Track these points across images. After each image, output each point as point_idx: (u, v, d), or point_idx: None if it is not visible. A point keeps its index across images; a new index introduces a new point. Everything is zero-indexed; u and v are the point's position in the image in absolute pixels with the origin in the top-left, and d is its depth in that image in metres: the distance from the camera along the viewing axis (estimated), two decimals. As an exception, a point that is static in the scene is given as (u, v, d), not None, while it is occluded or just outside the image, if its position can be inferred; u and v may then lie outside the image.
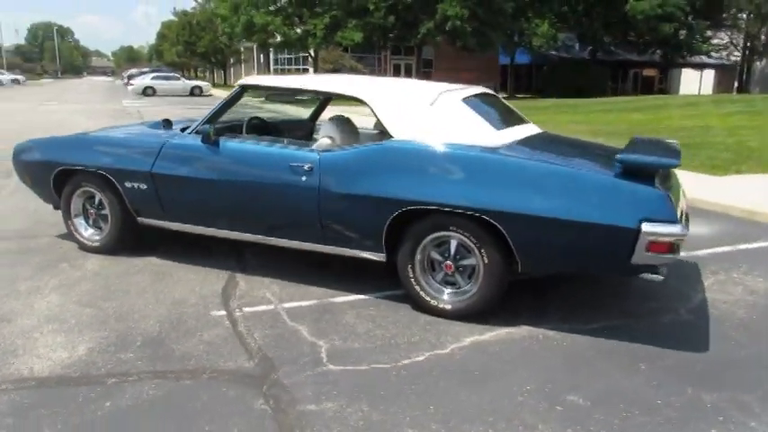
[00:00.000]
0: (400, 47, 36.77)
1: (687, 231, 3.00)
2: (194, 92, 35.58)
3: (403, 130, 3.53)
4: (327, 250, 3.78)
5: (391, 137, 3.54)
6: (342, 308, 3.64)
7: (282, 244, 3.92)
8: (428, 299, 3.52)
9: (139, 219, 4.37)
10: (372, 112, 3.67)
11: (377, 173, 3.49)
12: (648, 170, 3.09)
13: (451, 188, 3.30)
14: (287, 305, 3.66)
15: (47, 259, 4.41)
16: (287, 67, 41.45)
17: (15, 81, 54.40)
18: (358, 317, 3.51)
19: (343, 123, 4.12)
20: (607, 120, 15.99)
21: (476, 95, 4.02)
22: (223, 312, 3.52)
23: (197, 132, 4.01)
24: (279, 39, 27.81)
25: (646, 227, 2.95)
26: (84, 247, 4.58)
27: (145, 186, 4.17)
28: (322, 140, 3.91)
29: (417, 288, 3.54)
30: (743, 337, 3.36)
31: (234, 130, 4.34)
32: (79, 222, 4.61)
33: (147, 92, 32.66)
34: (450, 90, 3.74)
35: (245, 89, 4.12)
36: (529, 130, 4.16)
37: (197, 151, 3.98)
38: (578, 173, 3.18)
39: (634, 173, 3.11)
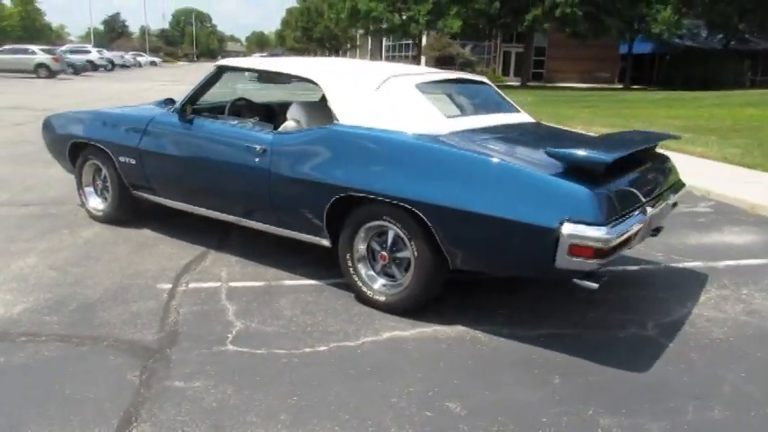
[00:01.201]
0: (512, 33, 35.72)
1: (614, 236, 2.66)
2: (303, 76, 36.82)
3: (347, 115, 3.43)
4: (280, 233, 3.78)
5: (337, 121, 3.46)
6: (285, 291, 3.63)
7: (243, 224, 3.96)
8: (364, 289, 3.42)
9: (134, 192, 4.60)
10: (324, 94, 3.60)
11: (317, 157, 3.44)
12: (573, 165, 2.78)
13: (378, 176, 3.17)
14: (233, 284, 3.70)
15: (54, 225, 4.77)
16: (396, 53, 41.70)
17: (153, 63, 59.28)
18: (294, 301, 3.48)
19: (313, 106, 4.07)
20: (712, 115, 14.57)
21: (444, 81, 3.83)
22: (169, 286, 3.64)
23: (175, 111, 4.15)
24: (383, 25, 27.95)
25: (566, 228, 2.66)
26: (91, 216, 4.91)
27: (134, 161, 4.38)
28: (287, 123, 3.90)
29: (355, 277, 3.44)
30: (700, 360, 2.95)
31: (219, 110, 4.43)
32: (89, 192, 4.94)
33: (262, 76, 34.06)
34: (402, 74, 3.57)
35: (221, 70, 4.18)
36: (507, 119, 3.90)
37: (173, 129, 4.12)
38: (505, 165, 2.92)
39: (578, 169, 2.82)
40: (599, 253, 2.66)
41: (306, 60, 4.38)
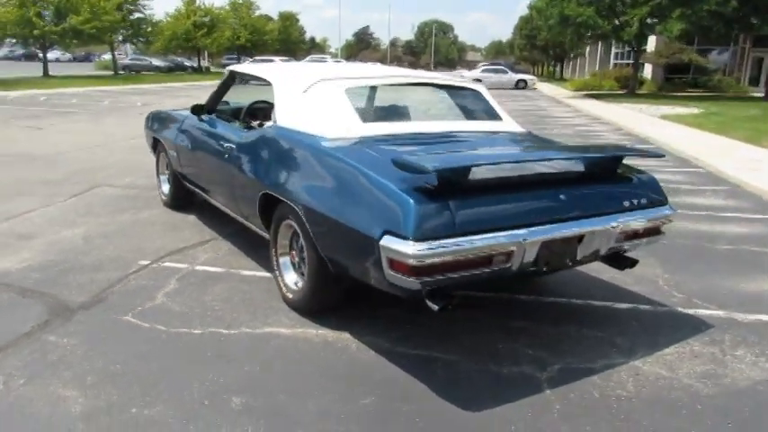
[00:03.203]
0: (767, 37, 30.79)
1: (430, 254, 2.41)
2: (519, 85, 36.46)
3: (281, 116, 3.60)
4: (247, 224, 4.06)
5: (275, 122, 3.64)
6: (233, 279, 3.90)
7: (234, 216, 4.31)
8: (281, 285, 3.55)
9: (183, 182, 5.27)
10: (275, 95, 3.80)
11: (253, 156, 3.66)
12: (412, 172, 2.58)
13: (278, 176, 3.30)
14: (199, 267, 4.09)
15: (130, 205, 5.69)
16: (622, 60, 38.78)
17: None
18: (229, 289, 3.74)
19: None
20: None
21: (404, 85, 3.78)
22: (147, 262, 4.16)
23: (193, 112, 4.69)
24: (596, 31, 26.29)
25: (384, 240, 2.51)
26: (162, 201, 5.73)
27: (175, 154, 5.06)
28: (268, 124, 4.15)
29: (277, 272, 3.59)
30: (559, 414, 2.53)
31: (238, 111, 4.86)
32: (163, 179, 5.78)
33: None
34: (337, 78, 3.58)
35: (232, 75, 4.59)
36: (469, 126, 3.71)
37: (192, 128, 4.68)
38: (354, 171, 2.81)
39: (433, 179, 2.62)
40: (415, 270, 2.46)
41: (276, 65, 4.57)
